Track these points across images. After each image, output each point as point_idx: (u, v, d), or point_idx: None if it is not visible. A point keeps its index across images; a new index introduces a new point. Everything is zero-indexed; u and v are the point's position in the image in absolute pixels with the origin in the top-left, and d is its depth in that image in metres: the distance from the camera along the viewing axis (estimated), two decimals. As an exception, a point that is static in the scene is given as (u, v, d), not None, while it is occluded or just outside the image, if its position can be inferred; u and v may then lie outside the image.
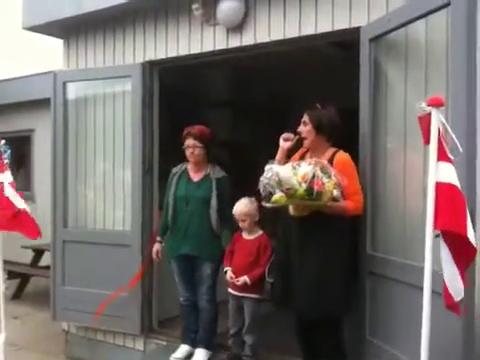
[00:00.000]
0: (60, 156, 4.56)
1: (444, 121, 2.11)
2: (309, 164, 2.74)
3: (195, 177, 3.82)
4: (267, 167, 2.76)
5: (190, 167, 3.84)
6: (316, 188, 2.66)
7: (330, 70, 5.03)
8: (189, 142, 3.76)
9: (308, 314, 3.01)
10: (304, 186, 2.65)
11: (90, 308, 4.29)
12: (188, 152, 3.77)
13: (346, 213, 2.96)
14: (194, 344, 3.88)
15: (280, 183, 2.67)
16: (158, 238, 3.96)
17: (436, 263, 2.22)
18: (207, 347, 3.82)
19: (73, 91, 4.61)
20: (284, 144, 3.27)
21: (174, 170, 3.94)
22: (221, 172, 3.83)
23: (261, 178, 2.75)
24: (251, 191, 3.24)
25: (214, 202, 3.71)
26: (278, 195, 2.69)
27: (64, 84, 4.53)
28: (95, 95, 4.54)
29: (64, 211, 4.57)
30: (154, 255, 3.96)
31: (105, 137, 4.44)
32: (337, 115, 3.12)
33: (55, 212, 4.59)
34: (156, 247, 3.94)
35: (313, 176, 2.67)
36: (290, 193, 2.68)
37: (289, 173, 2.69)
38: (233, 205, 3.69)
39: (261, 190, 2.75)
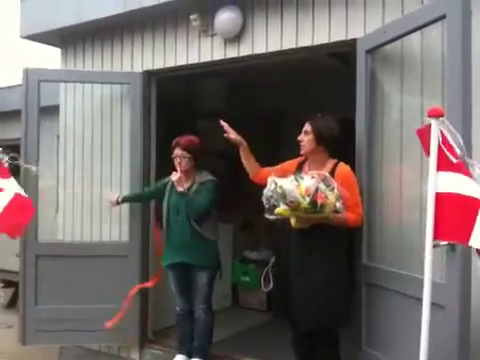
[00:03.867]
0: (33, 163, 4.09)
1: (453, 129, 2.11)
2: (312, 177, 2.74)
3: (184, 186, 3.81)
4: (270, 179, 2.76)
5: (178, 177, 3.80)
6: (319, 201, 2.66)
7: (326, 82, 5.06)
8: (177, 152, 3.78)
9: (310, 326, 3.00)
10: (308, 199, 2.65)
11: (76, 326, 4.13)
12: (176, 162, 3.79)
13: (347, 225, 2.98)
14: (190, 354, 3.87)
15: (284, 196, 2.67)
16: (119, 198, 4.08)
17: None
18: (203, 357, 3.81)
19: (61, 93, 4.62)
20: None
21: (165, 180, 3.95)
22: (207, 176, 3.82)
23: (264, 190, 2.75)
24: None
25: None
26: (282, 208, 2.69)
27: (39, 83, 4.15)
28: (89, 100, 4.50)
29: (35, 222, 4.11)
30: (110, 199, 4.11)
31: (102, 145, 4.41)
32: (337, 126, 3.13)
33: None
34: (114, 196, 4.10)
35: (316, 189, 2.67)
36: (294, 206, 2.68)
37: (292, 186, 2.69)
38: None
39: (264, 202, 2.75)
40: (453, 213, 2.11)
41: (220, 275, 3.89)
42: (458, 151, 2.09)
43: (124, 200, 4.11)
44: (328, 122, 3.12)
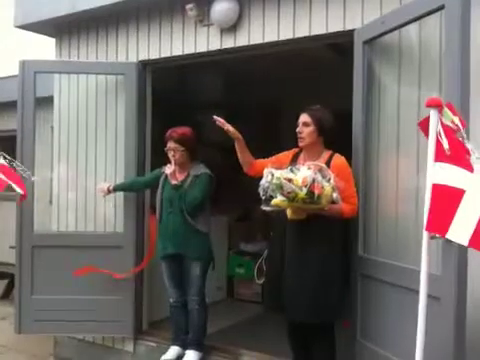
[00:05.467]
0: (29, 155, 4.16)
1: (457, 121, 2.09)
2: (308, 168, 2.73)
3: (178, 178, 3.78)
4: (266, 170, 2.75)
5: (172, 170, 3.76)
6: (316, 192, 2.65)
7: (322, 73, 5.04)
8: (170, 145, 3.76)
9: (306, 318, 2.99)
10: (304, 190, 2.64)
11: (71, 316, 4.13)
12: (170, 155, 3.77)
13: (342, 215, 2.97)
14: (184, 345, 3.87)
15: (281, 187, 2.66)
16: (110, 187, 4.05)
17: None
18: (198, 349, 3.81)
19: (55, 84, 4.58)
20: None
21: (161, 170, 3.93)
22: (202, 169, 3.80)
23: (261, 181, 2.74)
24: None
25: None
26: (279, 199, 2.68)
27: (35, 75, 4.12)
28: (84, 91, 4.46)
29: (31, 213, 4.18)
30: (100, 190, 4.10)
31: (97, 136, 4.37)
32: (333, 117, 3.12)
33: (22, 215, 4.16)
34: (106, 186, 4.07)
35: (313, 180, 2.66)
36: (291, 197, 2.67)
37: (289, 177, 2.68)
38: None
39: (261, 193, 2.74)
40: (440, 204, 2.09)
41: (213, 266, 3.88)
42: (459, 137, 2.07)
43: (116, 189, 4.09)
44: (326, 113, 3.11)
